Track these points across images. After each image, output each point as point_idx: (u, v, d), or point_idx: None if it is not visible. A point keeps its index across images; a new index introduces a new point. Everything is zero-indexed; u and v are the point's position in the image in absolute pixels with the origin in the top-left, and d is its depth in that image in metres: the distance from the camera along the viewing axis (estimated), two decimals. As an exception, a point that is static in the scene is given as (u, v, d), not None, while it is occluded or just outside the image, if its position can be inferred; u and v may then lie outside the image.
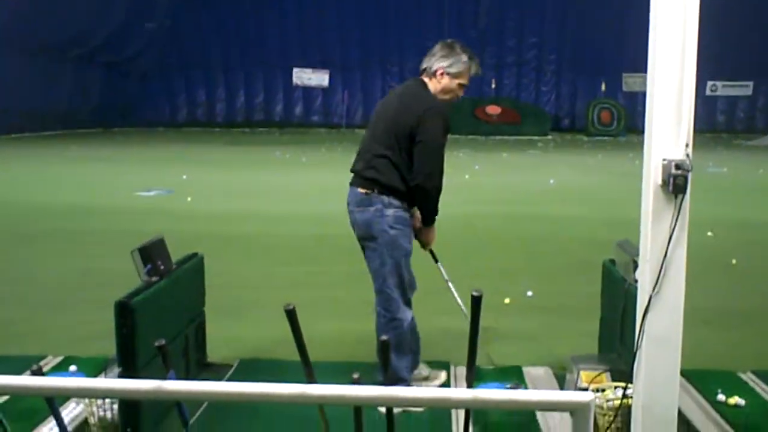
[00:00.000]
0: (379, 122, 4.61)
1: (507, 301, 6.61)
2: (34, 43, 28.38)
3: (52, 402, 2.39)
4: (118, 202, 12.88)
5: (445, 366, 5.04)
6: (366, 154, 4.56)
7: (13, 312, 6.49)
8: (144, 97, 38.41)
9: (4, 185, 15.18)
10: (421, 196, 4.42)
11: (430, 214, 4.55)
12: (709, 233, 8.40)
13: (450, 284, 4.97)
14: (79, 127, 33.33)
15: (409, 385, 4.49)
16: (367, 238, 4.48)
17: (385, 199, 4.40)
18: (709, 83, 36.48)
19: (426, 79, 4.53)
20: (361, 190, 4.46)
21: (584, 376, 4.32)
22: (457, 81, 4.49)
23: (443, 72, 4.47)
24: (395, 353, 4.38)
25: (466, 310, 4.66)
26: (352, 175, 4.57)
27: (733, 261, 8.43)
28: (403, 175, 4.40)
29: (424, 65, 4.55)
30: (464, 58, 4.48)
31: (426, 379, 4.80)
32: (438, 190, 4.40)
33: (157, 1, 34.79)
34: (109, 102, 35.85)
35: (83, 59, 32.69)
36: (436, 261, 4.90)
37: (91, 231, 10.31)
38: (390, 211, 4.39)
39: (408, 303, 4.51)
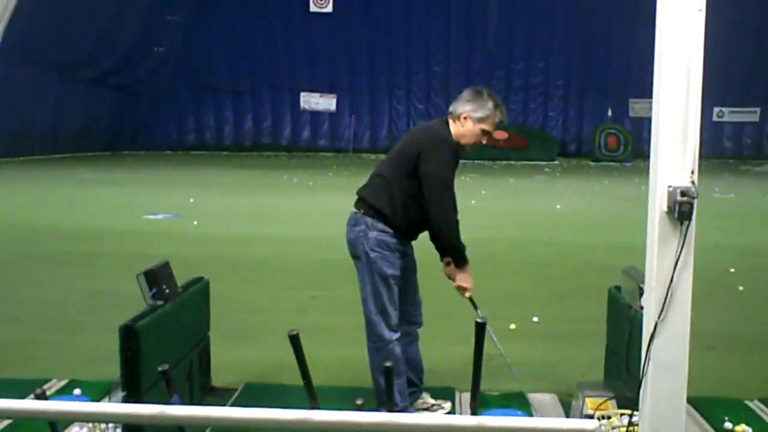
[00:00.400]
0: (391, 150, 4.69)
1: (512, 326, 6.59)
2: (46, 66, 28.62)
3: (54, 426, 2.40)
4: (127, 225, 12.91)
5: (449, 392, 5.02)
6: (370, 176, 4.64)
7: (19, 333, 6.50)
8: (153, 121, 38.63)
9: (15, 208, 15.25)
10: (437, 231, 4.42)
11: (454, 252, 4.47)
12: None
13: (492, 335, 4.51)
14: (89, 150, 33.54)
15: (400, 409, 4.45)
16: (353, 256, 4.53)
17: (369, 220, 4.42)
18: (716, 109, 36.50)
19: (450, 121, 4.52)
20: (353, 209, 4.54)
21: (590, 403, 4.29)
22: (480, 126, 4.46)
23: (467, 116, 4.45)
24: (382, 375, 4.32)
25: (509, 359, 4.58)
26: None
27: (740, 287, 8.39)
28: (394, 200, 4.40)
29: (451, 108, 4.54)
30: (490, 104, 4.45)
31: (430, 408, 4.77)
32: (451, 223, 4.36)
33: (167, 25, 35.07)
34: (118, 125, 36.13)
35: (93, 82, 32.94)
36: (476, 308, 4.56)
37: (100, 253, 10.33)
38: (372, 234, 4.39)
39: (391, 327, 4.44)
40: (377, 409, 4.25)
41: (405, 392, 4.56)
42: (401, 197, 4.41)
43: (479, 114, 4.44)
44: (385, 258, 4.40)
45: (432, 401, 4.79)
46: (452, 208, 4.37)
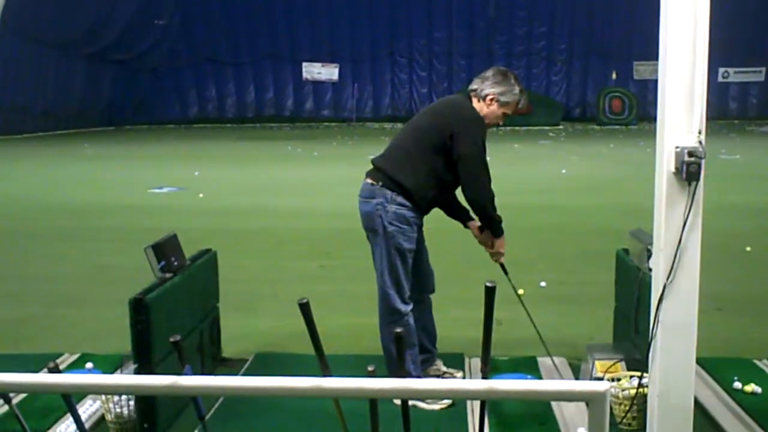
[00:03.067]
0: (413, 120, 4.65)
1: (521, 291, 6.58)
2: (46, 43, 28.50)
3: (69, 399, 2.41)
4: (132, 199, 12.93)
5: (459, 358, 5.04)
6: (389, 146, 4.58)
7: (29, 310, 6.53)
8: (155, 94, 38.54)
9: (21, 185, 15.28)
10: (477, 209, 4.41)
11: (492, 224, 4.48)
12: (748, 248, 8.33)
13: (522, 301, 4.76)
14: (92, 126, 33.51)
15: (413, 377, 4.46)
16: (368, 229, 4.46)
17: (388, 193, 4.32)
18: (721, 70, 36.29)
19: (474, 99, 4.48)
20: (369, 181, 4.42)
21: (599, 365, 4.31)
22: (503, 110, 4.46)
23: (494, 98, 4.42)
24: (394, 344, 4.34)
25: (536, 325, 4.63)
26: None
27: (748, 248, 8.38)
28: (418, 175, 4.33)
29: (474, 86, 4.48)
30: (516, 90, 4.46)
31: (442, 375, 4.79)
32: (491, 200, 4.37)
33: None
34: (120, 100, 36.05)
35: (94, 57, 32.81)
36: (506, 273, 4.72)
37: (106, 228, 10.36)
38: (392, 207, 4.31)
39: (404, 300, 4.43)
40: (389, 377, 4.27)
41: (418, 362, 4.57)
42: (425, 173, 4.35)
43: (506, 99, 4.44)
44: (403, 232, 4.34)
45: (444, 369, 4.81)
46: (490, 186, 4.37)
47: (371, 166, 4.51)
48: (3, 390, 2.28)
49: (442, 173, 4.38)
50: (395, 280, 4.39)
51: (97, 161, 20.10)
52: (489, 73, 4.51)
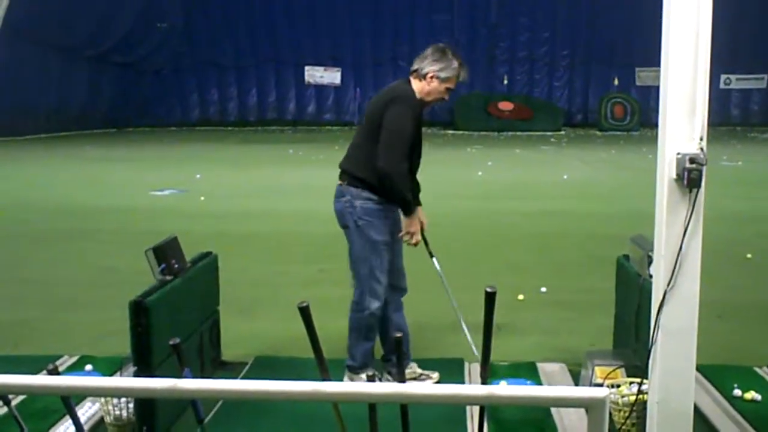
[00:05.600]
0: (364, 116, 4.80)
1: (521, 297, 6.59)
2: (49, 45, 28.52)
3: (68, 401, 2.41)
4: (133, 202, 12.93)
5: (458, 363, 5.04)
6: (349, 146, 4.77)
7: (30, 312, 6.53)
8: (157, 97, 38.52)
9: (22, 186, 15.27)
10: (383, 179, 4.46)
11: (399, 201, 4.55)
12: (749, 255, 8.34)
13: (444, 280, 4.90)
14: (94, 128, 33.50)
15: (357, 370, 4.60)
16: (342, 227, 4.68)
17: (354, 190, 4.54)
18: (723, 76, 36.26)
19: (414, 80, 4.62)
20: (339, 182, 4.67)
21: (599, 371, 4.30)
22: (445, 85, 4.60)
23: (433, 75, 4.56)
24: (352, 335, 4.65)
25: (457, 304, 4.82)
26: None
27: (749, 255, 8.38)
28: (375, 166, 4.46)
29: (415, 66, 4.64)
30: (455, 63, 4.58)
31: (418, 378, 4.79)
32: (399, 174, 4.42)
33: (170, 1, 34.86)
34: (122, 102, 36.04)
35: (97, 60, 32.83)
36: (432, 256, 4.87)
37: (107, 231, 10.35)
38: (358, 203, 4.52)
39: (375, 295, 4.56)
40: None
41: (368, 354, 4.70)
42: None
43: (445, 74, 4.57)
44: (373, 226, 4.53)
45: (420, 371, 4.83)
46: (404, 159, 4.45)
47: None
48: (2, 392, 2.28)
49: None
50: (369, 274, 4.56)
51: (99, 163, 20.11)
52: (428, 51, 4.66)
